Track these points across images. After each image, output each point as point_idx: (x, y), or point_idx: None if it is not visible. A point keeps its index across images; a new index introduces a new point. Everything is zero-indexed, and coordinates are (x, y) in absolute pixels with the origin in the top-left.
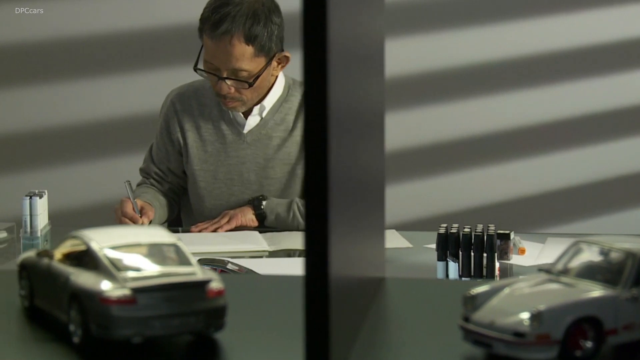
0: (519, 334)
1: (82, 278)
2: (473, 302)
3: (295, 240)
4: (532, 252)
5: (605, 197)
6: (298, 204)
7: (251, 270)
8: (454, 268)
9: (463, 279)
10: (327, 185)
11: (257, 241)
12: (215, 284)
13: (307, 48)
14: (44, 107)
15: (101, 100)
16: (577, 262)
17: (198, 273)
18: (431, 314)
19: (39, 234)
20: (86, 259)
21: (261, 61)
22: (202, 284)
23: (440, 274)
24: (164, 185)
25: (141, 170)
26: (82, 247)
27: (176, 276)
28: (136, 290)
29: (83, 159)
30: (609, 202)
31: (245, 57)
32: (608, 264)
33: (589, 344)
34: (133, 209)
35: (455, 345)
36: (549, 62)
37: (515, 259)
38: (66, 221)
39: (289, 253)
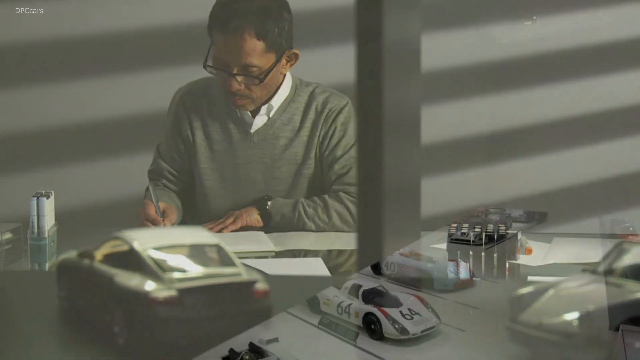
0: (568, 335)
1: (127, 279)
2: (519, 303)
3: (301, 240)
4: (538, 252)
5: (608, 197)
6: (303, 204)
7: (260, 271)
8: (464, 268)
9: (474, 278)
10: (381, 185)
11: (263, 241)
12: (261, 285)
13: (361, 52)
14: (45, 107)
15: (103, 100)
16: (621, 263)
17: (243, 274)
18: (472, 314)
19: (46, 234)
20: (129, 259)
21: (271, 57)
22: (248, 285)
23: (450, 274)
24: (178, 186)
25: (150, 172)
26: (125, 248)
27: (222, 277)
28: (182, 291)
29: (85, 159)
30: (612, 202)
31: (256, 52)
32: None
33: (637, 345)
34: (155, 211)
35: (501, 344)
36: (551, 62)
37: (522, 259)
38: (71, 221)
39: (294, 253)
